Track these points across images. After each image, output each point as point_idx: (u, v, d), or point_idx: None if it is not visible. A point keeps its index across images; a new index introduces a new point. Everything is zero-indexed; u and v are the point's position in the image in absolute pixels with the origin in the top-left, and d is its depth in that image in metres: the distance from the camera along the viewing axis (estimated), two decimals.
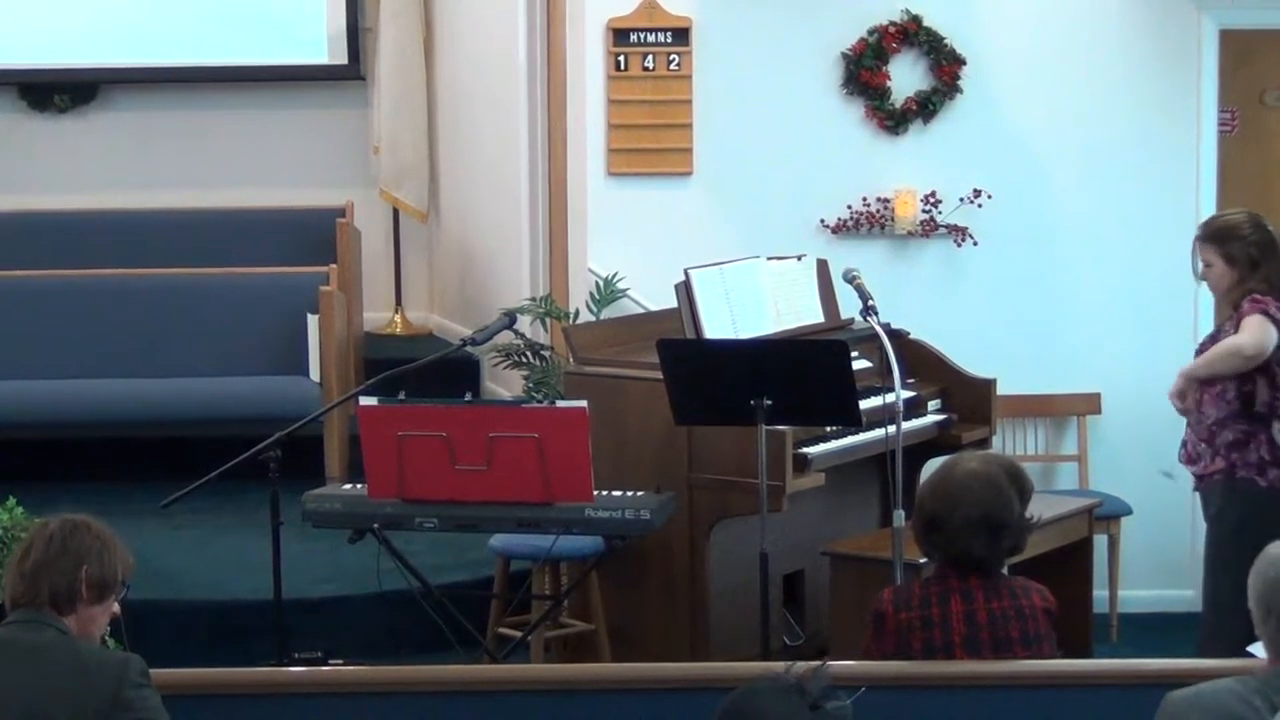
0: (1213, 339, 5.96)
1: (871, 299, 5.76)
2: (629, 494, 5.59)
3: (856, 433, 6.08)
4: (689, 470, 6.10)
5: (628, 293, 7.53)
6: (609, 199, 7.73)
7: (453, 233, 9.48)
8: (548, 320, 7.67)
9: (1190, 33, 7.81)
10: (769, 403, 5.43)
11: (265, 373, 8.17)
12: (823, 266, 6.78)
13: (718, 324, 6.28)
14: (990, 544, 4.51)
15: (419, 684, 4.54)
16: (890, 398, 5.54)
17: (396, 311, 9.75)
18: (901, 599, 4.58)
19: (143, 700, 3.90)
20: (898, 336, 6.12)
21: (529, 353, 7.55)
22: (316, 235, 8.90)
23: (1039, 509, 4.81)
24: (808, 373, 5.51)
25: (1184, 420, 6.01)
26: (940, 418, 6.63)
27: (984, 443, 6.66)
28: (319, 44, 9.69)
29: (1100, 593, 7.06)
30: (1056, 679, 4.53)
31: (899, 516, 5.44)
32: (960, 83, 7.79)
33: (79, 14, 9.53)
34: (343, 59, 9.69)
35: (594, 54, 7.70)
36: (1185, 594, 7.61)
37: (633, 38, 7.70)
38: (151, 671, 3.98)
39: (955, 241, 7.79)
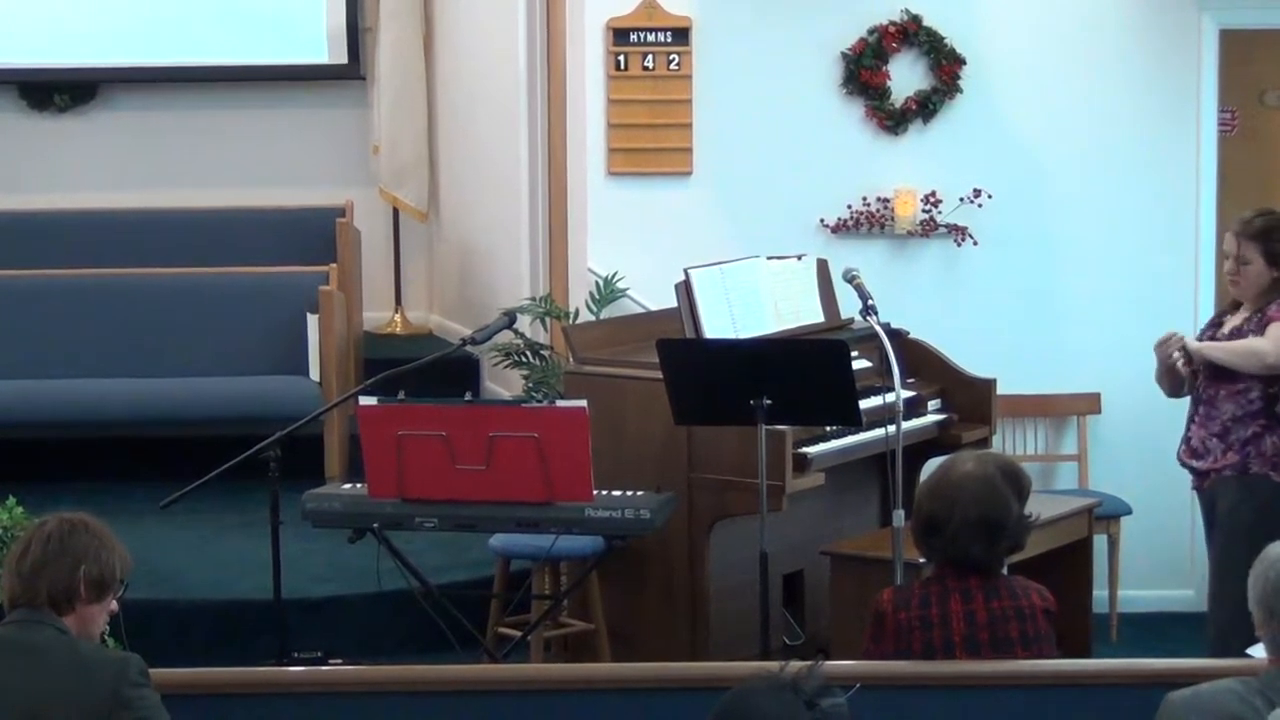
0: (1214, 325, 5.96)
1: (871, 299, 5.76)
2: (629, 494, 5.59)
3: (856, 432, 6.08)
4: (689, 470, 6.10)
5: (627, 292, 7.53)
6: (609, 198, 7.73)
7: (452, 232, 9.48)
8: (547, 320, 7.68)
9: (1190, 32, 7.81)
10: (769, 402, 5.43)
11: (265, 372, 8.17)
12: (822, 266, 6.78)
13: (718, 324, 6.27)
14: (989, 545, 4.51)
15: (419, 684, 4.54)
16: (890, 397, 5.54)
17: (396, 311, 9.75)
18: (901, 599, 4.58)
19: (142, 699, 3.90)
20: (897, 336, 6.13)
21: (529, 352, 7.55)
22: (316, 235, 8.90)
23: (1039, 509, 4.81)
24: (808, 373, 5.51)
25: (1184, 419, 6.01)
26: (940, 417, 6.63)
27: (984, 442, 6.65)
28: (318, 43, 9.69)
29: (1100, 592, 7.06)
30: (1056, 679, 4.53)
31: (899, 516, 5.44)
32: (960, 82, 7.79)
33: (79, 13, 9.53)
34: (342, 58, 9.69)
35: (594, 54, 7.70)
36: (1185, 594, 7.62)
37: (632, 37, 7.70)
38: (151, 671, 3.98)
39: (955, 241, 7.79)
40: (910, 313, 6.88)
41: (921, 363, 6.73)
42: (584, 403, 5.45)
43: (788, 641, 6.47)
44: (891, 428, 5.57)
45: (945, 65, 7.76)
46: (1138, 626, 7.63)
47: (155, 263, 8.64)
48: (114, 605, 4.09)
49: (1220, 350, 5.82)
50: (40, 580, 3.95)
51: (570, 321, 7.31)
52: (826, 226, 7.77)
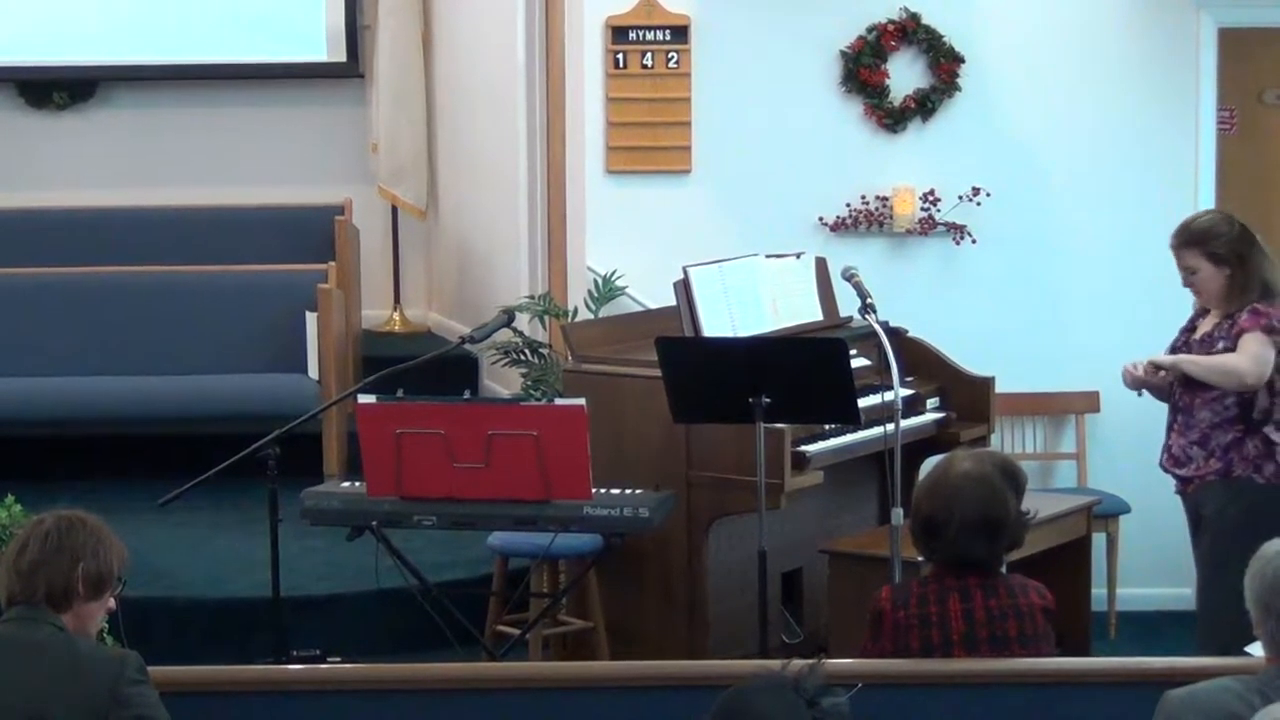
0: (1187, 331, 5.94)
1: (870, 297, 5.77)
2: (627, 492, 5.59)
3: (855, 431, 6.08)
4: (687, 468, 6.10)
5: (626, 291, 7.53)
6: (608, 197, 7.73)
7: (451, 230, 9.48)
8: (546, 318, 7.67)
9: (1189, 31, 7.81)
10: (767, 401, 5.43)
11: (264, 370, 8.17)
12: (821, 264, 6.78)
13: (716, 322, 6.27)
14: (990, 545, 4.51)
15: (417, 682, 4.54)
16: (889, 396, 5.55)
17: (395, 309, 9.74)
18: (899, 597, 4.58)
19: (140, 697, 3.90)
20: (896, 334, 6.12)
21: (527, 351, 7.55)
22: (315, 233, 8.90)
23: (1037, 507, 4.81)
24: (806, 371, 5.51)
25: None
26: (939, 416, 6.64)
27: (982, 441, 6.66)
28: (317, 41, 9.68)
29: (1098, 591, 7.07)
30: (1054, 677, 4.53)
31: (897, 515, 5.44)
32: (959, 81, 7.79)
33: (78, 11, 9.52)
34: (341, 56, 9.68)
35: (593, 52, 7.70)
36: (1183, 592, 7.60)
37: (631, 35, 7.70)
38: (149, 669, 3.98)
39: (954, 239, 7.79)
40: (909, 311, 6.88)
41: (920, 361, 6.73)
42: (583, 401, 5.45)
43: (786, 640, 6.47)
44: (890, 426, 5.57)
45: (944, 64, 7.77)
46: (1136, 625, 7.63)
47: (154, 261, 8.64)
48: (111, 603, 4.10)
49: (1197, 367, 5.80)
50: (38, 577, 3.95)
51: (569, 320, 7.31)
52: (825, 225, 7.77)
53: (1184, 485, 5.92)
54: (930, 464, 4.99)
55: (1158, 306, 7.73)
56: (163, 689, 4.01)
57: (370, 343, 9.18)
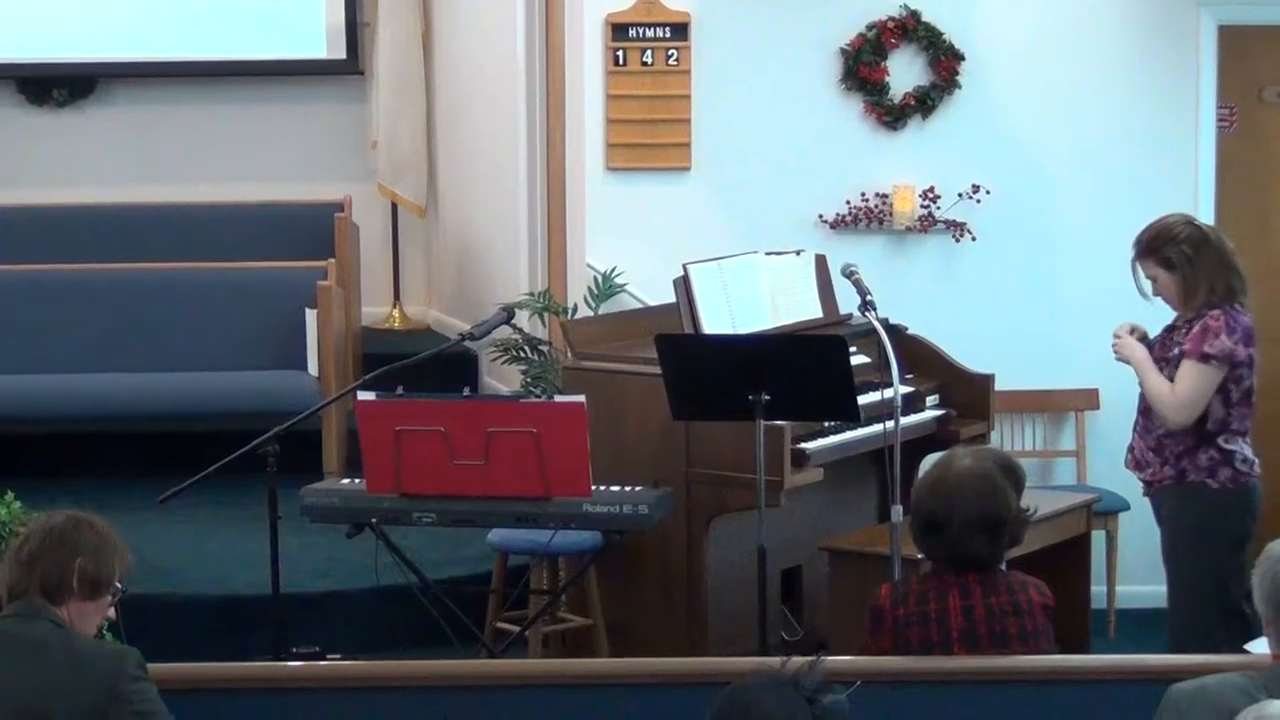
0: (1170, 329, 5.95)
1: (870, 294, 5.77)
2: (627, 489, 5.59)
3: (855, 428, 6.08)
4: (687, 465, 6.10)
5: (626, 288, 7.52)
6: (607, 194, 7.72)
7: (451, 227, 9.48)
8: (546, 315, 7.68)
9: (1189, 28, 7.80)
10: (767, 398, 5.42)
11: (263, 367, 8.18)
12: (821, 262, 6.78)
13: (716, 319, 6.27)
14: (990, 542, 4.51)
15: (416, 679, 4.54)
16: (888, 393, 5.55)
17: (395, 306, 9.75)
18: (899, 595, 4.58)
19: (140, 693, 3.90)
20: (896, 332, 6.13)
21: (527, 348, 7.55)
22: (315, 230, 8.90)
23: (1037, 504, 4.81)
24: (806, 368, 5.51)
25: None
26: (938, 413, 6.64)
27: (982, 438, 6.65)
28: (317, 38, 9.69)
29: (1098, 588, 7.07)
30: (1054, 674, 4.53)
31: (897, 512, 5.45)
32: (959, 78, 7.78)
33: (77, 8, 9.53)
34: (341, 54, 9.69)
35: (592, 49, 7.69)
36: None
37: (631, 33, 7.69)
38: (149, 665, 3.98)
39: (954, 237, 7.79)
40: (908, 308, 6.88)
41: (920, 358, 6.73)
42: (582, 398, 5.45)
43: (786, 637, 6.47)
44: (890, 423, 5.57)
45: (944, 61, 7.76)
46: (1136, 622, 7.62)
47: (153, 258, 8.64)
48: (111, 611, 4.09)
49: (1145, 381, 5.83)
50: (35, 569, 3.96)
51: (569, 317, 7.31)
52: (825, 222, 7.77)
53: (1146, 486, 5.95)
54: (930, 461, 4.99)
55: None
56: (162, 685, 4.01)
57: (370, 340, 9.19)
